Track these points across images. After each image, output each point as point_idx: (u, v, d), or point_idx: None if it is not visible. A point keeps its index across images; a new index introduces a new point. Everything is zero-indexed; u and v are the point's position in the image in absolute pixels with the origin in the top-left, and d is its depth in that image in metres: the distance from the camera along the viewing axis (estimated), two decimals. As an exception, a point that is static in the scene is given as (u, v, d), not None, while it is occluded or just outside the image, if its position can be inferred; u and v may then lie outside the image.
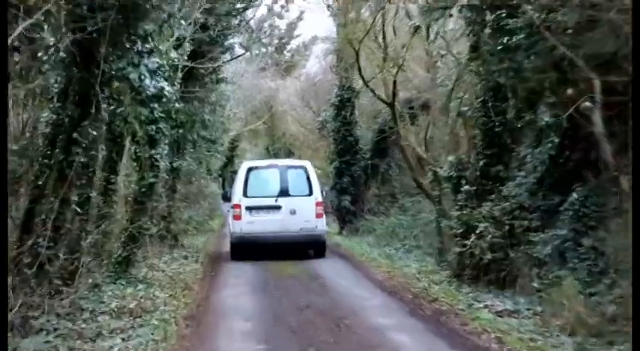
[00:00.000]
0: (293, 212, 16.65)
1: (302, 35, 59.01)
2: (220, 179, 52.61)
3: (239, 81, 40.70)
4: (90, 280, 10.96)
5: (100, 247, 11.81)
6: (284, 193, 16.96)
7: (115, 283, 12.20)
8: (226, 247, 18.49)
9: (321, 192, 17.43)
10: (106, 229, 12.18)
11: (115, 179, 13.57)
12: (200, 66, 18.60)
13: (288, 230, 16.50)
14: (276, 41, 48.38)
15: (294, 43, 53.15)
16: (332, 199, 25.47)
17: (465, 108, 15.02)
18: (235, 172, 21.62)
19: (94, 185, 11.09)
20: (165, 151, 15.57)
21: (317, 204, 16.90)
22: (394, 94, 20.40)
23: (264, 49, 46.26)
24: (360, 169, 25.81)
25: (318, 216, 16.83)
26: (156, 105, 12.83)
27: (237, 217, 16.67)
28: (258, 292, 13.49)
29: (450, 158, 14.57)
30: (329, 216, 23.83)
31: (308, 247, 17.07)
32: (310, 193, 17.00)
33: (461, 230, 13.46)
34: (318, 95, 37.56)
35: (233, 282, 14.98)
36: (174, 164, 17.70)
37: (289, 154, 49.65)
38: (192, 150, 23.37)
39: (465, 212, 13.33)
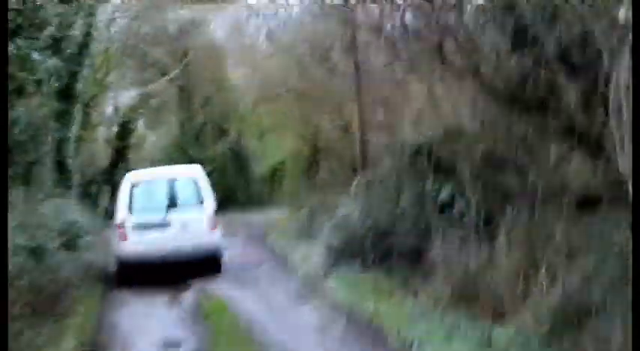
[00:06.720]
0: (184, 227, 15.39)
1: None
2: (109, 188, 33.04)
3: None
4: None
5: None
6: (173, 206, 15.61)
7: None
8: None
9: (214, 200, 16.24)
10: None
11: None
12: None
13: (180, 248, 15.12)
14: None
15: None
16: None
17: None
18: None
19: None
20: None
21: (210, 215, 15.64)
22: None
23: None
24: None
25: (212, 228, 15.59)
26: None
27: (122, 238, 15.34)
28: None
29: None
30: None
31: (204, 264, 15.45)
32: (202, 203, 15.73)
33: None
34: None
35: None
36: None
37: (221, 134, 34.95)
38: None
39: None
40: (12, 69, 11.95)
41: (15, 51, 11.96)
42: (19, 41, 12.22)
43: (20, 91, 13.27)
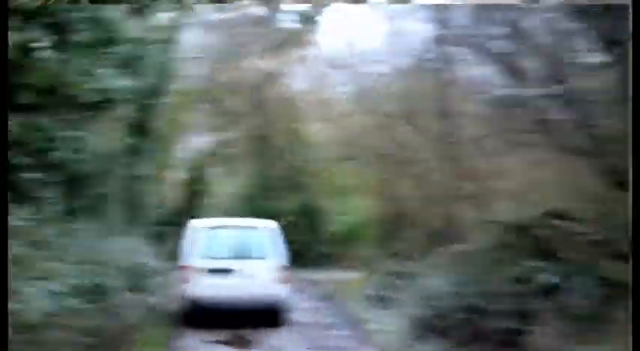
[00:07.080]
0: (250, 277, 15.32)
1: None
2: (178, 230, 31.71)
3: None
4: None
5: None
6: (242, 255, 15.63)
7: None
8: None
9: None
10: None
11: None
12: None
13: (244, 296, 15.21)
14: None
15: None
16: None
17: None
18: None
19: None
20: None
21: (279, 268, 15.40)
22: None
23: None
24: None
25: (282, 282, 15.36)
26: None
27: (188, 280, 15.25)
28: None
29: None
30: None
31: (266, 316, 15.28)
32: (272, 255, 15.53)
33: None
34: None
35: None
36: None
37: (294, 189, 33.22)
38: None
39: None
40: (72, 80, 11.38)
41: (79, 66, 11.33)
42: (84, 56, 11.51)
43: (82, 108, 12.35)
